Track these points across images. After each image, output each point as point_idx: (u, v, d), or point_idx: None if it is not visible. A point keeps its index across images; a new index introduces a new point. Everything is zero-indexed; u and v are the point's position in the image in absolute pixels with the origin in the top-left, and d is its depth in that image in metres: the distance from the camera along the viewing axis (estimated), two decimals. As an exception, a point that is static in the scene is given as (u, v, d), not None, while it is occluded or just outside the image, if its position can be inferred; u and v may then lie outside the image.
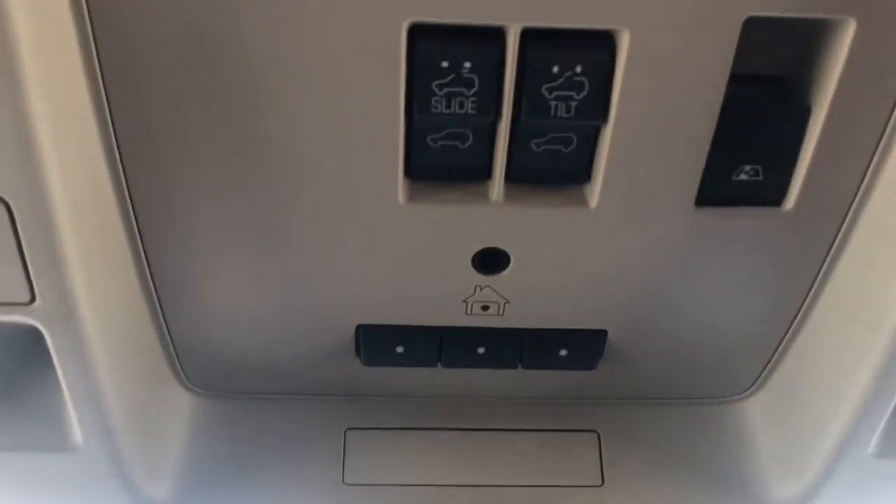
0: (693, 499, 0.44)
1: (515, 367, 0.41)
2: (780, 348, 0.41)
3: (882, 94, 0.31)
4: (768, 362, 0.42)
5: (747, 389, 0.44)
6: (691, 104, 0.31)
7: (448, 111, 0.31)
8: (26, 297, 0.32)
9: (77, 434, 0.38)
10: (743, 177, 0.33)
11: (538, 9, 0.28)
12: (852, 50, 0.30)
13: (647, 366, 0.42)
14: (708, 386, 0.44)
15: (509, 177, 0.33)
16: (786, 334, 0.40)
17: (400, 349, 0.39)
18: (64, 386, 0.36)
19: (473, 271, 0.36)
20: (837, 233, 0.36)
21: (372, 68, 0.30)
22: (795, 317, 0.39)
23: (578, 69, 0.30)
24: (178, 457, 0.43)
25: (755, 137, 0.33)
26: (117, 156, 0.32)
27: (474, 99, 0.30)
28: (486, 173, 0.34)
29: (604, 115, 0.31)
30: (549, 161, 0.33)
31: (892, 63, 0.30)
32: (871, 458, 0.41)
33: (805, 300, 0.38)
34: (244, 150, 0.32)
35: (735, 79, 0.32)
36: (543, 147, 0.32)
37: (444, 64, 0.30)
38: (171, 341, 0.40)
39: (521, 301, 0.38)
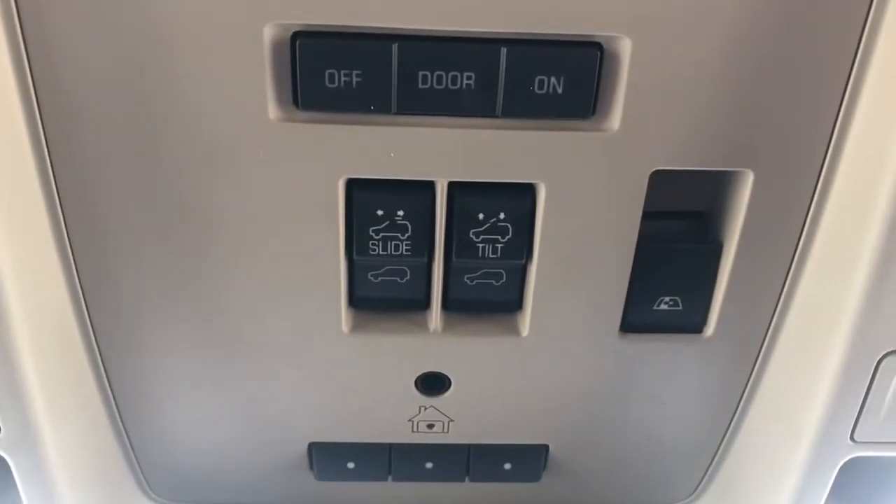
0: None
1: (463, 481, 0.43)
2: (717, 457, 0.43)
3: (786, 231, 0.34)
4: (707, 470, 0.44)
5: (690, 495, 0.46)
6: (607, 244, 0.34)
7: (385, 253, 0.33)
8: (-9, 429, 0.34)
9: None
10: (663, 307, 0.36)
11: (462, 166, 0.31)
12: (753, 196, 0.33)
13: (590, 476, 0.44)
14: (652, 493, 0.45)
15: (446, 306, 0.36)
16: (720, 445, 0.42)
17: (351, 465, 0.41)
18: (27, 509, 0.37)
19: (417, 393, 0.38)
20: (758, 355, 0.38)
21: (313, 217, 0.32)
22: (727, 430, 0.41)
23: (502, 216, 0.33)
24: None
25: (672, 271, 0.35)
26: (79, 290, 0.35)
27: (408, 243, 0.33)
28: (425, 303, 0.36)
29: (528, 256, 0.34)
30: (482, 293, 0.35)
31: (792, 206, 0.33)
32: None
33: (734, 415, 0.41)
34: (200, 289, 0.35)
35: (654, 215, 0.35)
36: (476, 281, 0.35)
37: (380, 212, 0.32)
38: (135, 456, 0.42)
39: (464, 419, 0.40)
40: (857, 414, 0.35)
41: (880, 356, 0.34)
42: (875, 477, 0.47)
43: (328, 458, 0.41)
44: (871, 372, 0.34)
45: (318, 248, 0.33)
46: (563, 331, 0.36)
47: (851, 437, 0.36)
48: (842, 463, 0.37)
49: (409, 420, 0.40)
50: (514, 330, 0.36)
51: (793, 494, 0.40)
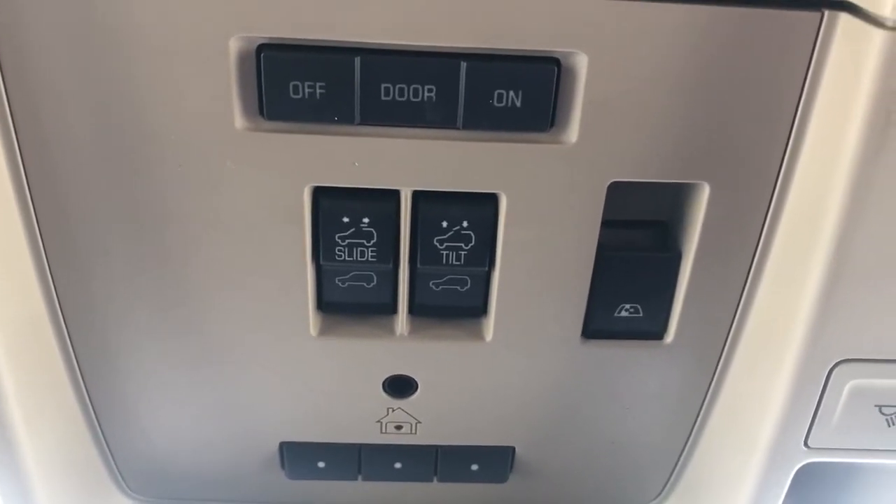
0: None
1: (430, 481, 0.43)
2: (681, 461, 0.44)
3: (743, 241, 0.35)
4: (672, 472, 0.45)
5: (657, 496, 0.47)
6: (568, 253, 0.34)
7: (351, 259, 0.34)
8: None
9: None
10: (624, 314, 0.37)
11: (424, 176, 0.32)
12: (709, 207, 0.34)
13: (556, 478, 0.44)
14: (618, 495, 0.46)
15: (413, 311, 0.37)
16: (684, 447, 0.43)
17: (321, 464, 0.42)
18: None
19: (385, 395, 0.39)
20: (718, 362, 0.39)
21: (281, 224, 0.33)
22: (690, 434, 0.42)
23: (465, 224, 0.34)
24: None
25: (632, 280, 0.36)
26: (53, 290, 0.36)
27: (374, 250, 0.34)
28: (392, 308, 0.37)
29: (491, 263, 0.35)
30: (448, 299, 0.36)
31: (749, 217, 0.34)
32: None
33: (696, 420, 0.41)
34: (171, 294, 0.35)
35: (618, 224, 0.35)
36: (441, 287, 0.36)
37: (345, 219, 0.33)
38: (110, 453, 0.43)
39: (431, 421, 0.41)
40: (810, 421, 0.36)
41: (832, 364, 0.34)
42: (829, 482, 0.48)
43: (299, 457, 0.42)
44: (824, 380, 0.35)
45: (286, 254, 0.34)
46: (527, 336, 0.37)
47: (805, 444, 0.37)
48: (796, 468, 0.38)
49: (378, 421, 0.40)
50: (479, 335, 0.37)
51: (749, 499, 0.41)
